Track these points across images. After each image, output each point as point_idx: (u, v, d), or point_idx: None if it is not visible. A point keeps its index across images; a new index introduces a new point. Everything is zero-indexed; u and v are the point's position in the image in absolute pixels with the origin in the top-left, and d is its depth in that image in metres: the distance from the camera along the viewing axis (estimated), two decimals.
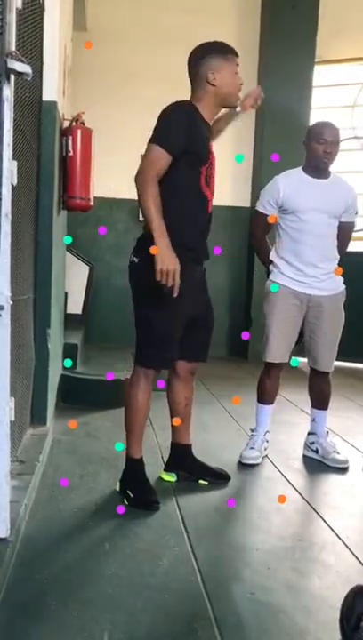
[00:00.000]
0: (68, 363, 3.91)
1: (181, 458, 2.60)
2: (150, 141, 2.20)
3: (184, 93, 2.35)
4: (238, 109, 2.54)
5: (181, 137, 2.20)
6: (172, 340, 2.33)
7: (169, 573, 1.82)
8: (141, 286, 2.30)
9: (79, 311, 5.27)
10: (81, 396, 3.70)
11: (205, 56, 2.31)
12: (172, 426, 2.60)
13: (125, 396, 2.40)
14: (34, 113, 2.71)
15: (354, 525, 2.27)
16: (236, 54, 2.35)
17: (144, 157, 2.21)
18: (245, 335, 5.60)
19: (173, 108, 2.24)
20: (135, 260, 2.31)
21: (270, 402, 2.95)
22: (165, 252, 2.10)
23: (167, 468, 2.61)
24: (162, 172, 2.19)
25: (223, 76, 2.29)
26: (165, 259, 2.10)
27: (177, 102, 2.26)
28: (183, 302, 2.25)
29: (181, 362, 2.50)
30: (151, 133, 2.22)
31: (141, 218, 2.37)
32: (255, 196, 3.44)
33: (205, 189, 2.33)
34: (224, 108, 2.40)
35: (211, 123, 2.39)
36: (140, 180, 2.17)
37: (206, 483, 2.56)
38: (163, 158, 2.18)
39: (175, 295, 2.14)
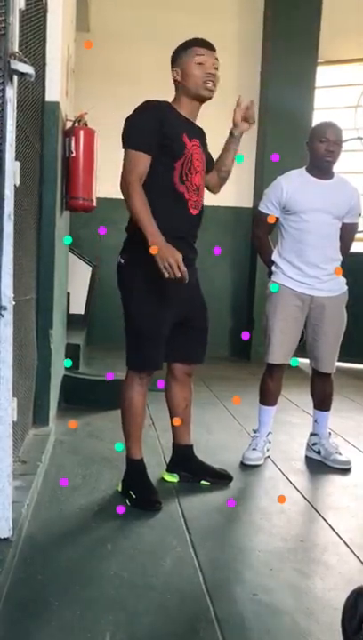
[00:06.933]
0: (68, 363, 3.90)
1: (182, 459, 2.60)
2: (124, 147, 2.23)
3: None
4: (235, 133, 2.46)
5: (152, 133, 2.21)
6: (157, 340, 2.32)
7: (171, 574, 1.82)
8: (125, 287, 2.33)
9: (82, 311, 5.27)
10: (83, 396, 3.70)
11: (173, 58, 2.32)
12: (173, 427, 2.61)
13: (120, 398, 2.40)
14: (36, 114, 2.71)
15: (357, 526, 2.26)
16: (201, 45, 2.27)
17: (124, 164, 2.23)
18: (245, 335, 5.59)
19: (136, 109, 2.26)
20: (121, 261, 2.34)
21: (273, 403, 2.95)
22: (163, 249, 2.11)
23: (169, 469, 2.61)
24: (144, 174, 2.21)
25: (185, 70, 2.28)
26: (165, 254, 2.10)
27: (141, 104, 2.26)
28: (168, 301, 2.27)
29: (176, 364, 2.51)
30: (121, 140, 2.24)
31: None
32: (258, 197, 3.45)
33: (180, 186, 2.27)
34: (198, 101, 2.31)
35: (194, 119, 2.35)
36: (125, 187, 2.20)
37: (208, 483, 2.55)
38: (141, 160, 2.21)
39: (186, 281, 2.13)
